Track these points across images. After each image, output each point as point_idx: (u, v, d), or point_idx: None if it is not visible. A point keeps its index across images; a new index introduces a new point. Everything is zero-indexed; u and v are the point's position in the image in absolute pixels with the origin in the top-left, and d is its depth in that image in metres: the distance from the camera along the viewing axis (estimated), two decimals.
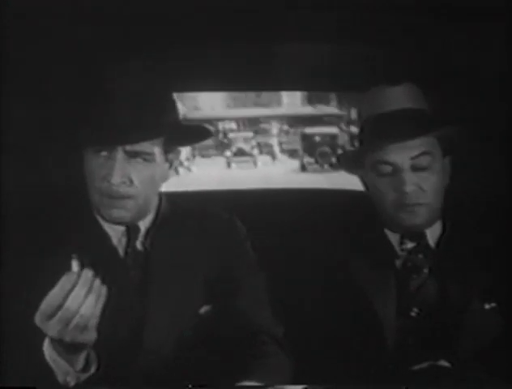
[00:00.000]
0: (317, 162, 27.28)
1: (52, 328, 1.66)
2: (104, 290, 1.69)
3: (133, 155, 1.91)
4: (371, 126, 2.15)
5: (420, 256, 2.14)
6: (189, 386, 1.85)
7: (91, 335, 1.70)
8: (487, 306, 2.07)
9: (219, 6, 2.12)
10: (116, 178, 1.89)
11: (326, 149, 27.33)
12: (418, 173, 2.07)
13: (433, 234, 2.16)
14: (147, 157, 1.93)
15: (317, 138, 27.85)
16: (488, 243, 2.11)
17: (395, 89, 2.12)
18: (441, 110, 2.17)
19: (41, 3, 2.02)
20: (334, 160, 26.21)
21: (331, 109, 32.80)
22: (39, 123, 2.32)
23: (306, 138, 28.15)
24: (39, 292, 1.77)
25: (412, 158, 2.06)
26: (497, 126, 2.37)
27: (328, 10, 2.16)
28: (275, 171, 25.45)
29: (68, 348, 1.71)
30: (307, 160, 27.52)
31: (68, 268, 1.70)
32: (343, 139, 28.29)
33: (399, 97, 2.11)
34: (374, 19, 2.19)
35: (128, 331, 1.95)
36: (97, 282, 1.68)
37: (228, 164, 32.83)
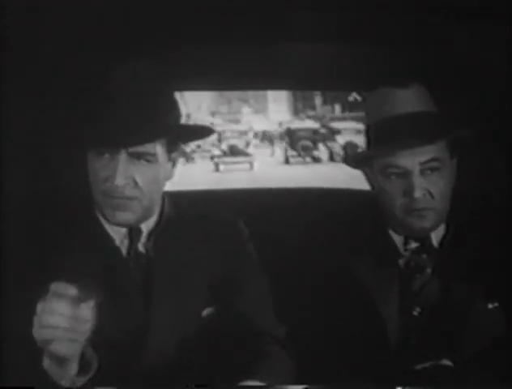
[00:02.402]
0: (299, 155, 27.58)
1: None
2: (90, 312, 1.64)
3: (136, 156, 1.85)
4: (381, 129, 2.09)
5: (424, 256, 2.10)
6: (193, 386, 1.81)
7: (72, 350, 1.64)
8: (490, 306, 2.04)
9: (219, 6, 2.08)
10: (119, 180, 1.83)
11: (308, 143, 27.68)
12: (427, 178, 2.02)
13: (436, 234, 2.12)
14: (150, 158, 1.87)
15: (300, 133, 28.10)
16: (491, 243, 2.07)
17: (405, 91, 2.06)
18: (445, 112, 2.12)
19: (42, 3, 1.97)
20: (315, 153, 26.74)
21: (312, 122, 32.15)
22: (40, 124, 2.28)
23: (290, 133, 28.41)
24: (40, 293, 1.73)
25: (422, 163, 2.01)
26: (499, 127, 2.34)
27: (328, 10, 2.13)
28: (258, 164, 25.58)
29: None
30: (290, 153, 27.81)
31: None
32: (324, 134, 28.55)
33: (409, 100, 2.06)
34: (374, 19, 2.16)
35: (131, 332, 1.91)
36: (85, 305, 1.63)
37: (217, 167, 26.50)
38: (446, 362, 1.96)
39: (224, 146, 27.97)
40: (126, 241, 1.97)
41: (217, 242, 2.04)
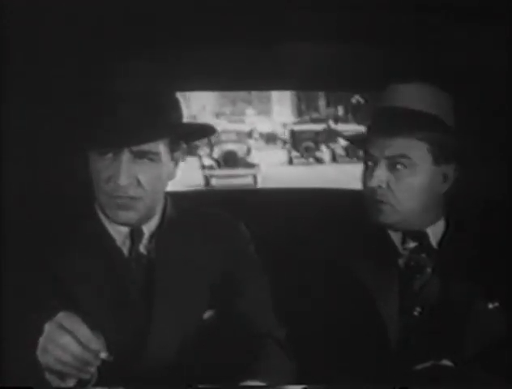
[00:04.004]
0: (302, 156, 27.71)
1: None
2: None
3: (139, 155, 1.84)
4: (372, 117, 2.13)
5: (423, 255, 2.08)
6: (194, 386, 1.77)
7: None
8: (490, 306, 2.01)
9: (219, 6, 2.07)
10: (123, 179, 1.82)
11: (311, 144, 27.76)
12: (394, 172, 2.03)
13: (435, 234, 2.10)
14: (153, 157, 1.86)
15: (303, 135, 28.14)
16: (491, 243, 2.05)
17: (402, 87, 2.06)
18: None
19: (42, 3, 1.95)
20: (318, 154, 26.88)
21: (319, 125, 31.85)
22: (40, 124, 2.26)
23: (294, 135, 28.45)
24: (40, 293, 1.79)
25: (388, 157, 2.02)
26: (499, 127, 2.33)
27: (329, 10, 2.11)
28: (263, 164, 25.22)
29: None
30: (294, 154, 27.92)
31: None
32: (328, 136, 28.64)
33: (403, 95, 2.05)
34: (374, 19, 2.14)
35: (132, 332, 1.89)
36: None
37: (207, 181, 19.91)
38: (447, 362, 1.93)
39: (217, 153, 20.99)
40: (128, 243, 1.96)
41: (218, 244, 2.03)
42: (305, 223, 2.28)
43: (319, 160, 27.25)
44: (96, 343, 1.62)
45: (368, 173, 2.07)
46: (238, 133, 22.45)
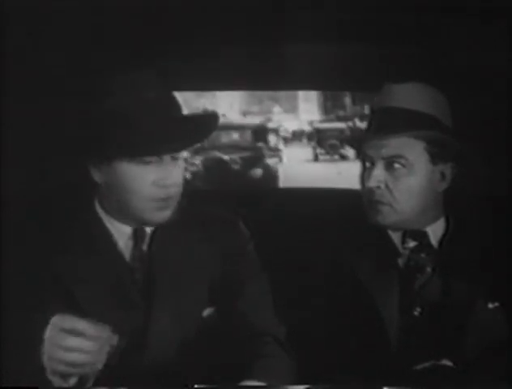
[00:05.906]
0: (327, 153, 27.78)
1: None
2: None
3: (175, 158, 1.89)
4: (370, 117, 2.11)
5: (423, 255, 2.05)
6: (194, 386, 1.77)
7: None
8: (490, 306, 1.99)
9: (220, 6, 2.06)
10: (171, 180, 1.87)
11: (335, 141, 27.81)
12: (392, 173, 2.02)
13: (435, 233, 2.08)
14: (180, 158, 1.91)
15: (328, 133, 28.20)
16: (492, 243, 2.03)
17: (398, 87, 2.05)
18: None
19: (42, 6, 1.96)
20: (342, 151, 26.96)
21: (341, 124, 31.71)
22: (40, 124, 2.27)
23: (319, 133, 28.50)
24: (41, 293, 1.79)
25: (385, 157, 2.01)
26: (499, 127, 2.31)
27: (330, 10, 2.10)
28: (288, 160, 25.12)
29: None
30: (319, 151, 28.01)
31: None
32: (352, 133, 28.62)
33: (397, 96, 2.04)
34: (374, 19, 2.13)
35: (131, 332, 1.87)
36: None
37: None
38: (447, 362, 1.92)
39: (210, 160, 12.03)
40: (130, 242, 1.95)
41: (217, 243, 2.02)
42: (305, 222, 2.27)
43: (344, 157, 27.30)
44: (103, 331, 1.62)
45: (366, 174, 2.06)
46: (244, 129, 13.00)
